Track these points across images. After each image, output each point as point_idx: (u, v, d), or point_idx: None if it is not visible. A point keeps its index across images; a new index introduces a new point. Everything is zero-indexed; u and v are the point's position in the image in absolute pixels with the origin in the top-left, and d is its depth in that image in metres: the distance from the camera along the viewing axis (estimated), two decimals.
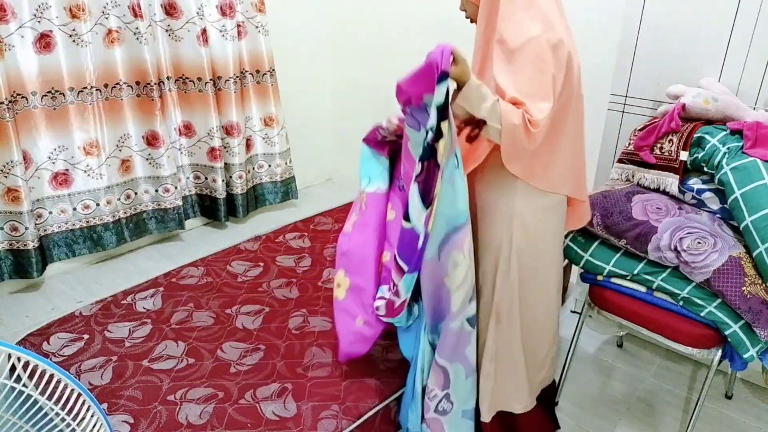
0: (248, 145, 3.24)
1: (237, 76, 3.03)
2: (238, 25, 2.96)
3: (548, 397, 1.95)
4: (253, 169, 3.32)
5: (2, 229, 2.51)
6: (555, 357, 1.91)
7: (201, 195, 3.20)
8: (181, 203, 3.01)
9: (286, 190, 3.45)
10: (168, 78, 2.87)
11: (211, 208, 3.19)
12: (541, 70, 1.36)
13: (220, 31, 2.91)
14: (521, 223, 1.57)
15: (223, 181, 3.13)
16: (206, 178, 3.13)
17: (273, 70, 3.18)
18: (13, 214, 2.49)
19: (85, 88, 2.59)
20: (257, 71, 3.14)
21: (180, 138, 3.03)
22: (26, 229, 2.51)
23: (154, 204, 2.96)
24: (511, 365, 1.74)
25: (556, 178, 1.55)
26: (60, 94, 2.53)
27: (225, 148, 3.11)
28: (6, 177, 2.43)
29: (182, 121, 3.00)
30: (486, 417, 1.77)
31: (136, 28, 2.62)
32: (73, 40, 2.51)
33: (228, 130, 3.08)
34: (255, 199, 3.39)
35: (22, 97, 2.44)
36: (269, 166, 3.35)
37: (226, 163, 3.15)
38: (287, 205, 3.58)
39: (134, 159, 2.85)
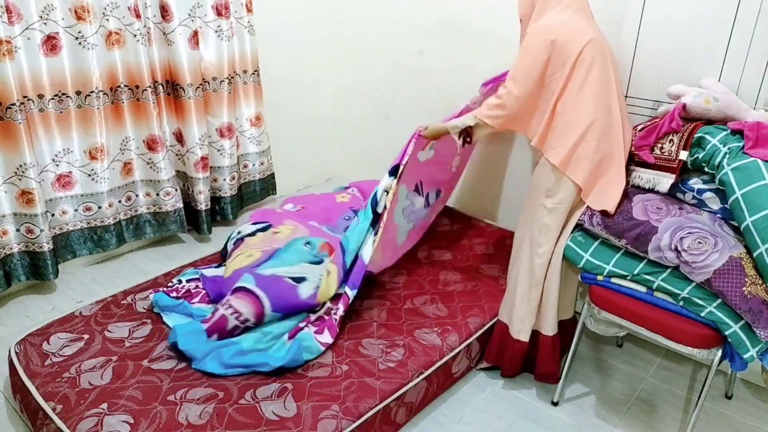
0: (236, 146, 3.21)
1: (229, 77, 3.01)
2: (231, 26, 2.94)
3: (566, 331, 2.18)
4: (239, 169, 3.29)
5: (18, 231, 2.50)
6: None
7: (186, 204, 3.11)
8: (182, 205, 3.00)
9: (267, 187, 3.46)
10: (167, 82, 2.86)
11: (195, 219, 3.11)
12: (524, 55, 1.94)
13: (216, 32, 2.88)
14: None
15: (209, 191, 3.09)
16: (192, 190, 3.05)
17: (257, 70, 3.16)
18: (28, 217, 2.48)
19: (92, 92, 2.56)
20: (244, 71, 3.10)
21: (177, 144, 3.01)
22: (41, 231, 2.50)
23: (156, 207, 2.96)
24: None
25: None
26: (67, 97, 2.51)
27: (219, 151, 3.08)
28: (20, 179, 2.42)
29: (176, 127, 2.97)
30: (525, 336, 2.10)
31: (137, 30, 2.61)
32: (79, 43, 2.48)
33: (222, 133, 3.05)
34: (240, 198, 3.36)
35: (29, 100, 2.42)
36: (253, 165, 3.33)
37: (217, 166, 3.11)
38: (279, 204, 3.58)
39: (135, 162, 2.83)
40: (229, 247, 2.51)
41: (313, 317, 2.10)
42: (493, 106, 1.99)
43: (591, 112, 1.88)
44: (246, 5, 2.98)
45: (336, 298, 2.16)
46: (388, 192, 2.19)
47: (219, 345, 1.97)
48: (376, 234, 2.18)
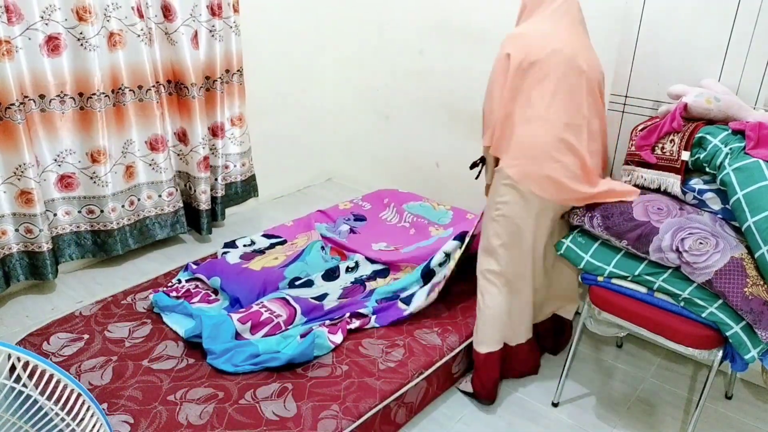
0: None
1: (221, 77, 2.99)
2: (222, 26, 2.92)
3: (547, 333, 2.26)
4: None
5: (17, 231, 2.50)
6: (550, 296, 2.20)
7: (186, 204, 3.11)
8: (182, 205, 2.99)
9: (248, 189, 3.40)
10: (169, 82, 2.85)
11: (195, 219, 3.10)
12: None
13: (210, 31, 2.87)
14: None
15: (211, 191, 3.08)
16: (195, 190, 3.03)
17: (240, 70, 3.12)
18: (27, 216, 2.47)
19: (94, 94, 2.53)
20: (227, 71, 3.05)
21: (179, 144, 3.00)
22: (40, 231, 2.50)
23: (157, 209, 2.94)
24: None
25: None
26: (69, 98, 2.50)
27: (212, 151, 3.07)
28: (19, 179, 2.41)
29: (179, 127, 2.96)
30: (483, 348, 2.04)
31: (140, 30, 2.60)
32: (81, 44, 2.47)
33: (214, 132, 3.03)
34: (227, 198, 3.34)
35: (30, 100, 2.41)
36: (234, 166, 3.27)
37: (212, 166, 3.09)
38: (279, 204, 3.58)
39: (137, 165, 2.81)
40: (241, 251, 2.67)
41: (327, 322, 2.14)
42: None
43: (551, 130, 1.81)
44: (233, 6, 2.94)
45: (358, 315, 2.20)
46: (448, 255, 2.27)
47: (238, 345, 1.98)
48: (428, 295, 2.22)
